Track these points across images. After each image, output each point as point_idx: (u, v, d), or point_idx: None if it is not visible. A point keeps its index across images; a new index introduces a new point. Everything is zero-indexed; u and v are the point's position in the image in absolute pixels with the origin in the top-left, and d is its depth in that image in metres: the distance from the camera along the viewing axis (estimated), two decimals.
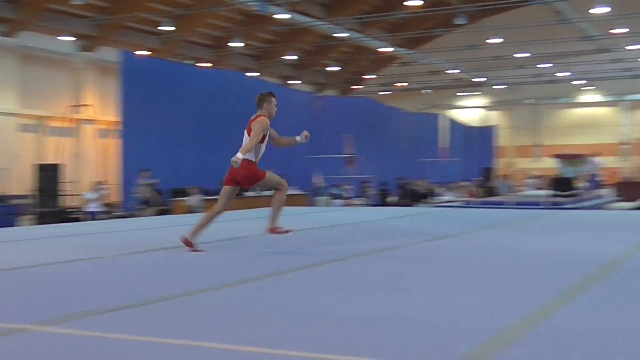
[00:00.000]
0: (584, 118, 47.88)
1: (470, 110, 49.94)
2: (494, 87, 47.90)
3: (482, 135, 41.48)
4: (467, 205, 20.60)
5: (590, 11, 29.60)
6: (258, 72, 37.36)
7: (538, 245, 7.44)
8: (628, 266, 5.84)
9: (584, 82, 46.14)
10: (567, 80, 45.88)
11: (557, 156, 27.29)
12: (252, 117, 7.06)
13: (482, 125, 45.53)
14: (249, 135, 6.88)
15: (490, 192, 29.04)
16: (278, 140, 7.45)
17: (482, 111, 49.93)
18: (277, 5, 27.74)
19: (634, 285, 4.85)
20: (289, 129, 25.60)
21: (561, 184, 22.12)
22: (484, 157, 39.33)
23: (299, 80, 42.82)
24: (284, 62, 40.37)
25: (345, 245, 7.39)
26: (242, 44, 34.24)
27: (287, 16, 28.97)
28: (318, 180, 22.89)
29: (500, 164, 42.94)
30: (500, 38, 35.41)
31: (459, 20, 32.19)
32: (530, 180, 35.01)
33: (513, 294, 4.55)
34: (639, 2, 34.53)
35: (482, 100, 49.90)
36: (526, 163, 46.68)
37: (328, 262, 6.12)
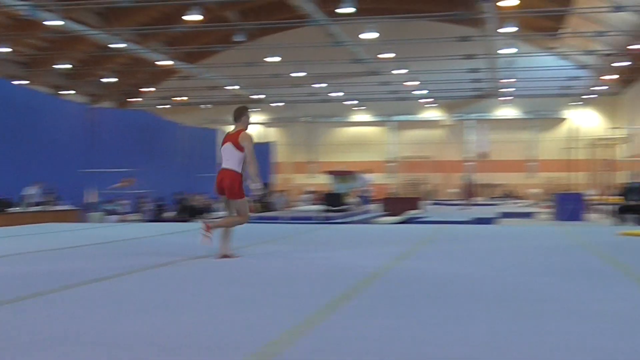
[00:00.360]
0: (356, 136, 50.51)
1: (249, 127, 50.69)
2: (271, 104, 49.07)
3: (260, 151, 41.98)
4: None
5: (361, 36, 31.33)
6: (27, 81, 35.25)
7: (306, 259, 7.69)
8: (389, 277, 6.20)
9: (356, 102, 48.73)
10: (340, 100, 48.16)
11: (330, 173, 28.45)
12: (231, 132, 7.58)
13: (261, 141, 46.38)
14: (236, 149, 7.40)
15: (268, 207, 29.58)
16: None
17: (261, 127, 50.90)
18: (49, 11, 26.39)
19: (393, 295, 5.15)
20: (61, 140, 24.42)
21: (333, 199, 23.06)
22: (261, 173, 39.90)
23: (73, 90, 41.00)
24: (56, 71, 38.46)
25: (114, 263, 7.16)
26: (9, 50, 32.14)
27: (59, 23, 27.64)
28: (91, 195, 21.98)
29: (278, 180, 43.97)
30: (278, 57, 36.36)
31: (237, 37, 32.63)
32: (305, 196, 36.16)
33: (280, 307, 4.65)
34: (403, 30, 37.14)
35: (261, 117, 50.87)
36: (302, 179, 48.28)
37: (94, 281, 5.88)
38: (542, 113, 48.76)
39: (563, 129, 47.66)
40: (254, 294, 5.27)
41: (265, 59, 36.71)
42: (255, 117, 50.73)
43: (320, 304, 4.68)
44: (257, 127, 50.79)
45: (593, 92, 44.82)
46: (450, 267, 6.93)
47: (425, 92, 46.35)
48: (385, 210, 25.59)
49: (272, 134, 49.79)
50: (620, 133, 44.28)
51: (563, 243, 9.96)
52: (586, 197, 22.06)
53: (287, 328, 3.91)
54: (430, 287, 5.58)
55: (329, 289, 5.38)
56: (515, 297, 5.10)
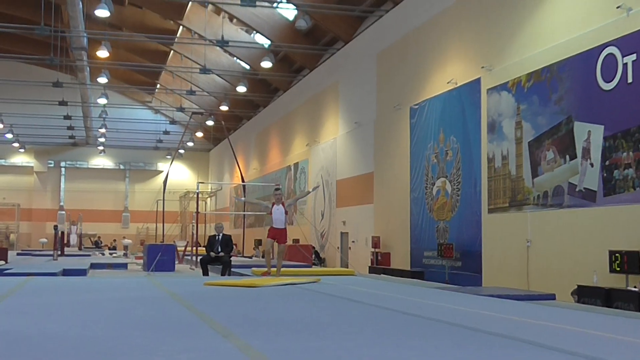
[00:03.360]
0: None
1: None
2: None
3: None
4: None
5: None
6: None
7: None
8: None
9: None
10: None
11: None
12: None
13: None
14: None
15: None
16: None
17: None
18: None
19: None
20: None
21: None
22: None
23: None
24: None
25: None
26: None
27: None
28: None
29: None
30: None
31: None
32: None
33: None
34: None
35: None
36: None
37: None
38: (138, 165, 49.51)
39: (157, 181, 48.90)
40: None
41: None
42: None
43: None
44: None
45: (184, 148, 46.95)
46: (34, 323, 6.52)
47: (13, 135, 43.84)
48: None
49: None
50: (208, 187, 47.04)
51: (153, 294, 10.10)
52: (177, 248, 22.75)
53: None
54: (5, 346, 5.13)
55: None
56: (107, 352, 4.97)
